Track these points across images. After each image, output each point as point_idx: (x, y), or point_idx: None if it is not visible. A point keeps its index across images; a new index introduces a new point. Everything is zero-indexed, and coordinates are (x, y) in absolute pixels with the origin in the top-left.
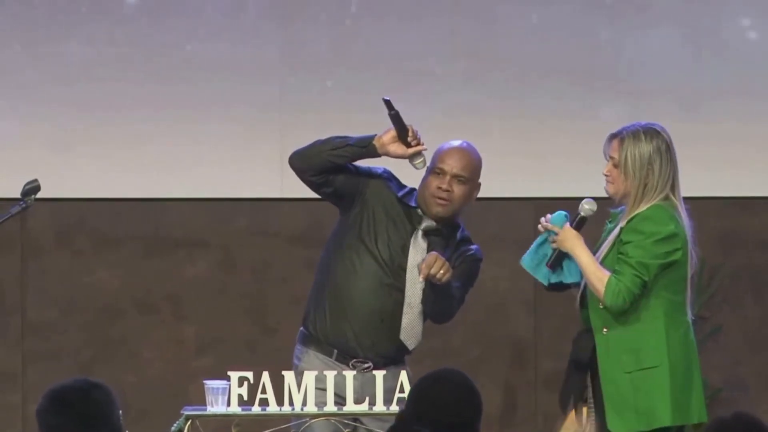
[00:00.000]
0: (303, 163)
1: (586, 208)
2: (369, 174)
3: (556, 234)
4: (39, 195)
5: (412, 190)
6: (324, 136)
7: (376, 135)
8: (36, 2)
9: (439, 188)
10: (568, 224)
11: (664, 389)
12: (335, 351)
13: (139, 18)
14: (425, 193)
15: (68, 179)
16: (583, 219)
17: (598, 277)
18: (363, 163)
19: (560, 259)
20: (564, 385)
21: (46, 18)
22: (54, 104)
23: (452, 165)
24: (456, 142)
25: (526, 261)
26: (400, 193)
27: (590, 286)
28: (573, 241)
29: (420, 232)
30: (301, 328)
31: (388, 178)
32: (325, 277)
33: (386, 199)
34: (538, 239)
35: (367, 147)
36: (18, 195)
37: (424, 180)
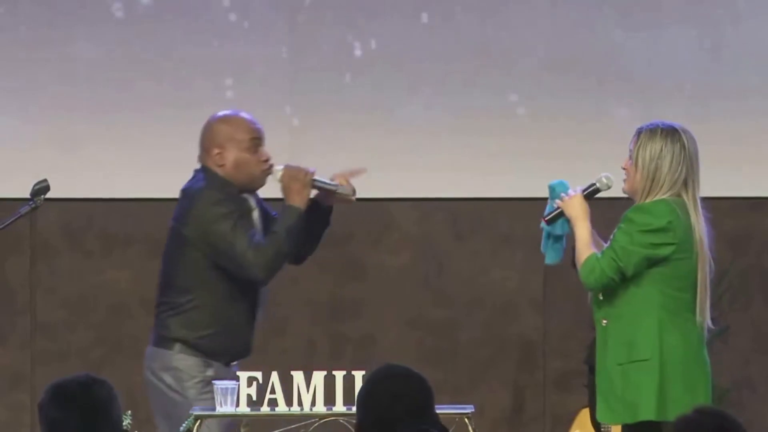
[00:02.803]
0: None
1: (603, 181)
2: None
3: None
4: (47, 195)
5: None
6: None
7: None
8: (44, 3)
9: (267, 160)
10: (580, 191)
11: (651, 383)
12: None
13: (147, 18)
14: (253, 171)
15: (77, 179)
16: (596, 190)
17: (583, 253)
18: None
19: (558, 218)
20: (590, 388)
21: (54, 19)
22: (63, 105)
23: (261, 131)
24: (236, 112)
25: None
26: (225, 193)
27: (576, 262)
28: (578, 212)
29: (256, 212)
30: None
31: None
32: (220, 295)
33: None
34: (544, 234)
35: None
36: (27, 195)
37: (239, 158)
